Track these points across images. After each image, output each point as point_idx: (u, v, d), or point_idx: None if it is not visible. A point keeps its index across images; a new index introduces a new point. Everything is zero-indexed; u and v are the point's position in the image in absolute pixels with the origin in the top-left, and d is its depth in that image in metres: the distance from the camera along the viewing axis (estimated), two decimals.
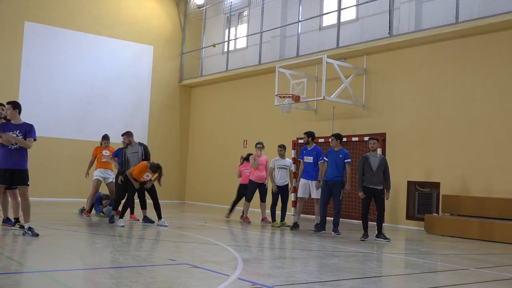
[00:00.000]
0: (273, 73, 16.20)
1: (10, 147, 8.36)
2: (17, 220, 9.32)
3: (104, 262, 6.94)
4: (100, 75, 19.92)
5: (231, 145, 19.55)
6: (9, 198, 9.44)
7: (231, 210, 13.58)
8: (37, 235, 8.41)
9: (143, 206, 11.71)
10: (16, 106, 8.58)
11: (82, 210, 12.91)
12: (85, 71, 19.57)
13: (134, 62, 20.87)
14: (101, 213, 12.55)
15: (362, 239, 10.15)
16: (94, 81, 19.76)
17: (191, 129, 22.15)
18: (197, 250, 8.15)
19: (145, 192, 11.47)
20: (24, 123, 8.61)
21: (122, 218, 10.93)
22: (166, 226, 11.06)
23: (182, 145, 22.08)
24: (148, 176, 11.06)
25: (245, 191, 12.96)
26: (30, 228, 8.48)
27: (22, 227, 8.91)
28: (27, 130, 8.51)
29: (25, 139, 8.44)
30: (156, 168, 10.99)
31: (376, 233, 10.38)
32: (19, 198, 9.22)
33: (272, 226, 12.26)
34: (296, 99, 15.36)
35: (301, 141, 14.99)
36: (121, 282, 5.54)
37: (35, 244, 7.92)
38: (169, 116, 21.72)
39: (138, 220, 11.86)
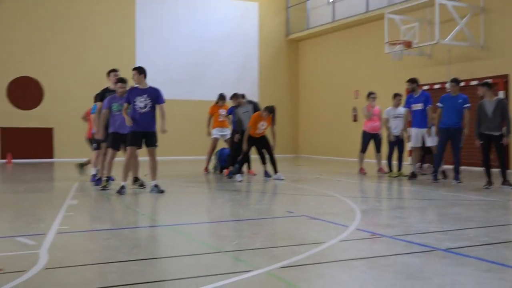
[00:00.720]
0: (381, 19, 15.64)
1: (139, 111, 8.78)
2: (136, 179, 9.84)
3: (226, 216, 7.25)
4: (209, 35, 20.35)
5: (342, 97, 19.30)
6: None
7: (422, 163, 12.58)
8: (162, 191, 8.92)
9: (263, 161, 11.94)
10: (141, 71, 8.96)
11: (216, 168, 13.10)
12: (194, 33, 20.09)
13: (241, 20, 21.06)
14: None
15: (485, 187, 9.70)
16: (204, 42, 20.23)
17: (301, 83, 22.11)
18: (314, 202, 8.24)
19: (262, 147, 11.66)
20: (150, 87, 8.96)
21: (240, 173, 11.26)
22: (283, 179, 11.25)
23: (293, 99, 22.15)
24: (263, 125, 11.28)
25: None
26: (156, 185, 9.01)
27: (142, 185, 9.49)
28: (155, 95, 8.88)
29: (153, 104, 8.82)
30: (271, 109, 11.20)
31: (502, 180, 9.86)
32: (138, 158, 9.73)
33: (389, 176, 12.06)
34: (408, 45, 14.79)
35: None
36: (243, 234, 5.77)
37: (161, 200, 8.43)
38: (278, 71, 21.81)
39: (255, 175, 12.17)
